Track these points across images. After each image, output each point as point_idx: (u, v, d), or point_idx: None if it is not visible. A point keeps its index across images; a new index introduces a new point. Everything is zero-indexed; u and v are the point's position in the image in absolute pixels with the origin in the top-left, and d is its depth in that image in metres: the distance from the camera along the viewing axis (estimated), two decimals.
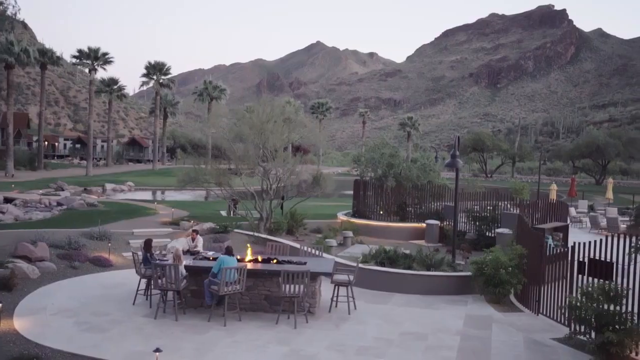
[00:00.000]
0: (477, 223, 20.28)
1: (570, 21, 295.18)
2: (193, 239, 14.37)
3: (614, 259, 10.02)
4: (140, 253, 12.65)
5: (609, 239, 10.19)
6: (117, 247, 16.83)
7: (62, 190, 35.32)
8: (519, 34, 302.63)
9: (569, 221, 22.22)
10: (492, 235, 19.10)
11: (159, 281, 11.11)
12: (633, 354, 9.00)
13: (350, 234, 20.11)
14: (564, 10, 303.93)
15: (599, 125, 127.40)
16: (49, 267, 13.85)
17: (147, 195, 39.28)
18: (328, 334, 10.42)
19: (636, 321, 9.02)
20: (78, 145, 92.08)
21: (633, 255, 8.61)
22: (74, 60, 58.19)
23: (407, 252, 16.31)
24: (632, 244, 8.64)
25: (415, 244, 19.78)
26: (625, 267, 9.42)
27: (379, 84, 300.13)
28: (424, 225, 21.62)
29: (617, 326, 8.91)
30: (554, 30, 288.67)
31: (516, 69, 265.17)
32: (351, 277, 12.23)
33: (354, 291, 12.37)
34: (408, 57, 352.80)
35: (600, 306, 9.13)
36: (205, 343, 9.63)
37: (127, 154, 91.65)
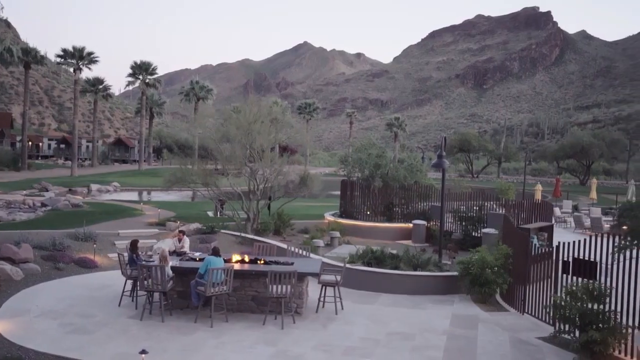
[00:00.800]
0: (464, 223, 20.41)
1: (555, 23, 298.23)
2: (179, 240, 14.33)
3: (598, 259, 10.14)
4: (126, 254, 12.58)
5: (593, 238, 10.31)
6: (102, 248, 16.69)
7: (47, 190, 34.93)
8: (505, 35, 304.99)
9: (553, 221, 22.45)
10: (479, 235, 19.24)
11: (145, 282, 11.04)
12: (616, 352, 9.11)
13: (337, 234, 20.14)
14: (549, 12, 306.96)
15: (583, 126, 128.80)
16: (33, 269, 13.70)
17: (133, 195, 38.98)
18: (315, 334, 10.42)
19: (619, 320, 9.14)
20: (63, 146, 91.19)
21: (616, 255, 8.72)
22: (58, 59, 57.59)
23: (394, 252, 16.35)
24: (615, 244, 8.75)
25: (402, 244, 19.82)
26: (609, 266, 9.53)
27: (366, 85, 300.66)
28: (410, 225, 21.72)
29: (600, 325, 9.02)
30: (538, 32, 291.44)
31: (502, 70, 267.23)
32: (338, 278, 12.24)
33: (341, 291, 12.40)
34: (395, 58, 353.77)
35: (584, 305, 9.23)
36: (192, 344, 9.58)
37: (112, 155, 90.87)
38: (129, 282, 12.09)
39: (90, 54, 56.98)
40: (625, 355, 9.05)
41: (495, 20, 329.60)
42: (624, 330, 8.96)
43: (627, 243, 8.49)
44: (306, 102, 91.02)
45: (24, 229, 17.74)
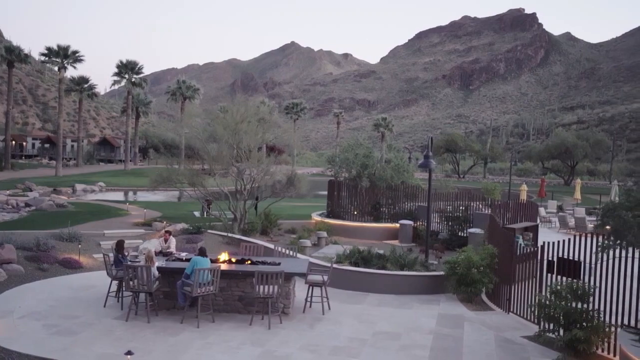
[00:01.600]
0: (450, 223, 20.54)
1: (540, 25, 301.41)
2: (166, 240, 14.24)
3: (582, 258, 10.26)
4: (111, 254, 12.47)
5: (577, 238, 10.43)
6: (87, 248, 16.53)
7: (31, 190, 34.49)
8: (491, 37, 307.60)
9: (538, 221, 22.67)
10: (465, 235, 19.38)
11: (131, 283, 10.95)
12: (599, 351, 9.23)
13: (324, 234, 20.16)
14: (534, 14, 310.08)
15: (568, 127, 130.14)
16: (16, 270, 13.52)
17: (118, 195, 38.70)
18: (302, 335, 10.42)
19: (603, 319, 9.25)
20: (47, 145, 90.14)
21: (600, 254, 8.83)
22: (42, 58, 56.88)
23: (381, 252, 16.41)
24: (599, 244, 8.86)
25: (389, 244, 19.91)
26: (592, 265, 9.65)
27: (353, 85, 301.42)
28: (397, 225, 21.80)
29: (584, 324, 9.13)
30: (524, 33, 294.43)
31: (488, 71, 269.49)
32: (325, 278, 12.25)
33: (329, 291, 12.42)
34: (382, 59, 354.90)
35: (569, 304, 9.34)
36: (178, 345, 9.52)
37: (98, 154, 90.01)
38: (115, 282, 11.99)
39: (75, 52, 56.40)
40: (609, 353, 9.18)
41: (481, 22, 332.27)
42: (607, 329, 9.08)
43: (610, 243, 8.59)
44: (293, 102, 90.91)
45: (7, 229, 17.51)
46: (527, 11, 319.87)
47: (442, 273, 14.15)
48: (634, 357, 7.47)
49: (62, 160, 59.40)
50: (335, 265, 13.88)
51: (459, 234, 20.04)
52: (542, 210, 28.10)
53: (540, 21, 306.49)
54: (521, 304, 11.79)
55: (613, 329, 9.05)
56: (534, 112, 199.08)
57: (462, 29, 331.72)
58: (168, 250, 13.77)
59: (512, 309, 12.15)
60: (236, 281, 11.65)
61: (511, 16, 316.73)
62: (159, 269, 11.43)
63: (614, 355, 9.02)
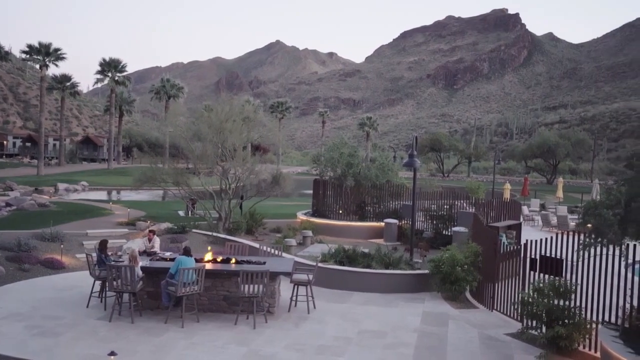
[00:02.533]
0: (435, 222, 20.64)
1: (523, 25, 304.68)
2: (150, 240, 14.11)
3: (564, 256, 10.39)
4: (94, 254, 12.34)
5: (559, 236, 10.57)
6: (70, 248, 16.33)
7: (12, 190, 34.01)
8: (475, 37, 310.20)
9: (521, 219, 22.87)
10: (449, 233, 19.48)
11: (114, 283, 10.86)
12: (581, 347, 9.36)
13: (309, 233, 20.14)
14: (517, 14, 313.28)
15: (550, 127, 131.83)
16: None
17: (102, 195, 38.31)
18: (287, 334, 10.41)
19: (584, 315, 9.39)
20: (29, 144, 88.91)
21: (581, 252, 8.95)
22: (24, 55, 56.04)
23: (366, 251, 16.43)
24: (580, 241, 8.98)
25: (374, 243, 19.96)
26: (574, 263, 9.78)
27: (339, 84, 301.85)
28: (382, 224, 21.85)
29: (566, 320, 9.25)
30: (507, 33, 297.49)
31: (472, 71, 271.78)
32: (310, 277, 12.24)
33: (314, 290, 12.42)
34: (367, 58, 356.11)
35: (551, 302, 9.45)
36: (162, 345, 9.46)
37: (80, 153, 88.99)
38: (98, 283, 11.87)
39: (57, 50, 55.68)
40: (590, 349, 9.31)
41: (465, 22, 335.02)
42: (588, 326, 9.21)
43: (592, 240, 8.71)
44: (279, 101, 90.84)
45: None
46: (511, 11, 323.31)
47: (426, 271, 14.21)
48: (614, 353, 7.59)
49: (44, 159, 58.63)
50: (320, 264, 13.89)
51: (444, 232, 20.15)
52: (525, 209, 28.37)
53: (523, 21, 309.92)
54: (504, 301, 11.90)
55: (594, 325, 9.17)
56: (517, 112, 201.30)
57: (447, 29, 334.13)
58: (152, 250, 13.65)
59: (495, 307, 12.25)
60: (221, 280, 11.60)
61: (495, 16, 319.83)
62: (143, 268, 11.34)
63: (595, 352, 9.15)
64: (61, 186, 39.80)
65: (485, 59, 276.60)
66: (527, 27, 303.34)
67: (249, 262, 12.16)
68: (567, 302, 9.47)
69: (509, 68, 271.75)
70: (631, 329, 8.26)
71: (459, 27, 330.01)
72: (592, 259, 9.31)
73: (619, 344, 7.78)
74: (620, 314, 8.65)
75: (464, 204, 20.86)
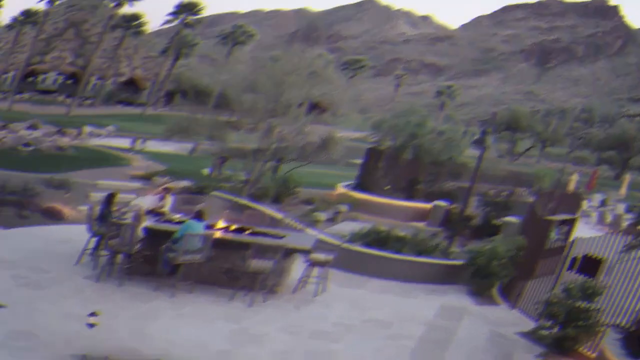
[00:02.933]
0: (488, 209, 20.48)
1: (621, 17, 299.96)
2: (162, 198, 14.55)
3: (607, 256, 10.47)
4: (98, 208, 12.71)
5: (608, 236, 10.57)
6: (75, 198, 17.11)
7: (35, 129, 35.73)
8: (574, 20, 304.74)
9: (579, 214, 22.45)
10: (500, 222, 19.31)
11: (112, 241, 11.38)
12: (581, 348, 9.61)
13: (343, 208, 20.33)
14: (617, 6, 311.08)
15: (632, 119, 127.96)
16: None
17: (126, 142, 38.89)
18: (286, 315, 10.84)
19: (602, 318, 9.54)
20: (69, 82, 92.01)
21: (623, 254, 9.04)
22: None
23: (403, 234, 16.45)
24: (625, 243, 9.04)
25: (415, 227, 19.99)
26: (613, 265, 9.86)
27: (426, 48, 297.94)
28: (430, 205, 21.83)
29: (580, 322, 9.43)
30: (605, 21, 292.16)
31: (567, 52, 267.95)
32: (330, 257, 12.31)
33: (330, 273, 12.54)
34: (463, 25, 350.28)
35: (575, 303, 9.62)
36: (148, 313, 10.02)
37: (120, 95, 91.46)
38: (94, 239, 12.25)
39: None
40: (589, 350, 9.60)
41: (567, 5, 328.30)
42: (598, 328, 9.39)
43: (637, 242, 8.75)
44: (354, 57, 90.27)
45: None
46: (611, 3, 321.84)
47: (458, 262, 14.29)
48: (607, 354, 7.79)
49: (79, 99, 60.67)
50: (344, 245, 14.10)
51: (495, 221, 19.96)
52: (585, 203, 27.95)
53: (621, 13, 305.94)
54: (530, 300, 12.16)
55: (603, 328, 9.35)
56: (604, 99, 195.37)
57: (548, 9, 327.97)
58: (161, 210, 14.07)
59: (519, 305, 12.55)
60: (228, 251, 11.66)
61: (595, 4, 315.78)
62: (146, 229, 11.66)
63: (593, 353, 9.47)
64: (87, 129, 41.21)
65: (582, 42, 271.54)
66: (626, 17, 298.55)
67: (265, 235, 12.31)
68: (590, 304, 9.60)
69: (603, 55, 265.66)
70: (636, 333, 8.39)
71: (560, 9, 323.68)
72: (633, 262, 9.35)
73: (615, 347, 7.98)
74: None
75: (525, 192, 20.60)
